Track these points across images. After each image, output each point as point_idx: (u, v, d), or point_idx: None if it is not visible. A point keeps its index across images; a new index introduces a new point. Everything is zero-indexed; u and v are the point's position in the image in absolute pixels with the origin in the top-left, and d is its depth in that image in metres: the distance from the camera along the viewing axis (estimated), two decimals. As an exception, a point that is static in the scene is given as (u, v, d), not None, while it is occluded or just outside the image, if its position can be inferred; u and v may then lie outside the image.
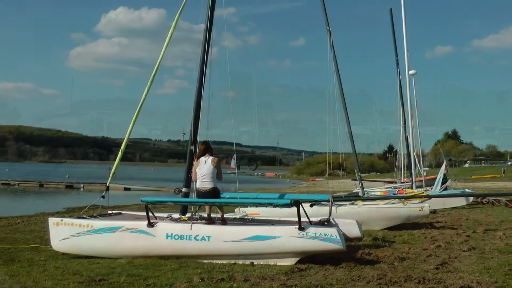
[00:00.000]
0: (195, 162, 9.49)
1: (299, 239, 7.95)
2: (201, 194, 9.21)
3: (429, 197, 16.09)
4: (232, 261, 8.22)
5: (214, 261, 8.24)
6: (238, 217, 10.43)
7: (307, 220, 8.65)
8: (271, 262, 8.08)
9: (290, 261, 8.08)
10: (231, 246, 8.19)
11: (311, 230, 8.00)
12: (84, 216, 9.61)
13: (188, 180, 10.03)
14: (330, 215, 9.58)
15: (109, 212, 10.74)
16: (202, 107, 10.34)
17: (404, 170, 27.17)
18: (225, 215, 9.49)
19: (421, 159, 25.89)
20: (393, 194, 17.85)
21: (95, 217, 9.62)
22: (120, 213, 10.82)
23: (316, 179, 78.00)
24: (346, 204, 13.51)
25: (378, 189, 21.26)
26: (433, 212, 16.90)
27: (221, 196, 9.73)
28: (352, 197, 14.39)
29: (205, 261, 8.24)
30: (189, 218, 9.12)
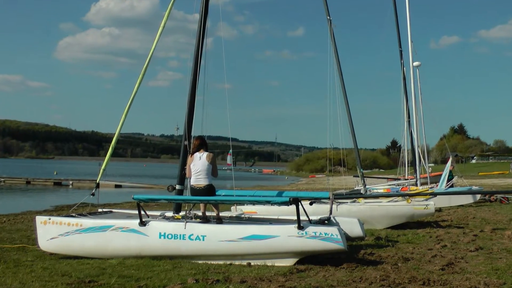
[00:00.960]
0: (189, 158, 9.36)
1: (298, 238, 7.78)
2: (196, 191, 9.08)
3: (435, 194, 16.04)
4: (228, 262, 8.07)
5: (209, 262, 8.09)
6: (234, 215, 10.29)
7: (307, 219, 8.49)
8: (269, 262, 7.93)
9: (288, 262, 7.92)
10: (227, 246, 8.04)
11: (311, 229, 7.83)
12: (73, 214, 9.51)
13: (182, 177, 9.89)
14: (330, 213, 9.48)
15: (99, 210, 10.63)
16: (196, 100, 10.22)
17: (408, 166, 27.02)
18: (221, 214, 9.34)
19: (426, 154, 25.76)
20: (397, 192, 17.73)
21: (84, 215, 9.52)
22: (111, 212, 10.72)
23: (316, 175, 78.42)
24: (347, 202, 13.42)
25: (381, 186, 21.23)
26: (439, 210, 16.79)
27: (217, 193, 9.61)
28: (353, 195, 14.39)
29: (200, 262, 8.09)
30: (183, 217, 8.97)
